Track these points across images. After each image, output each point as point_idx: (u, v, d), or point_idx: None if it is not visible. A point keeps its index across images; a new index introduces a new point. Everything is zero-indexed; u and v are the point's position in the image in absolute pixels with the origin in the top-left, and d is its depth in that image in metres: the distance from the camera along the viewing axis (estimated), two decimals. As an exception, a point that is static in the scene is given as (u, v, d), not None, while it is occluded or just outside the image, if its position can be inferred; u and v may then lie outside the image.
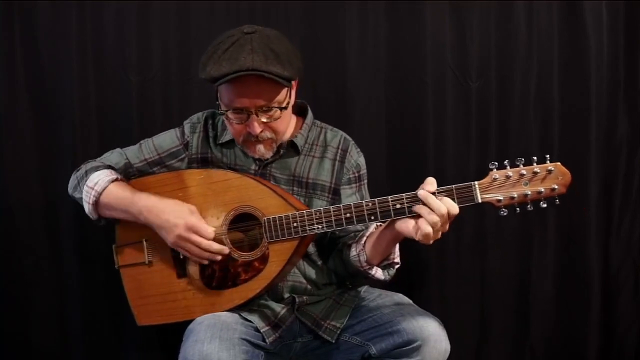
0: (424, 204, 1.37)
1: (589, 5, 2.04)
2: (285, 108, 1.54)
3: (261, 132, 1.52)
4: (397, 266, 1.60)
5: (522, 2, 2.05)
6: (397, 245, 1.55)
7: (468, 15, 2.05)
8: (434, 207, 1.36)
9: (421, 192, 1.38)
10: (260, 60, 1.44)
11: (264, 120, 1.51)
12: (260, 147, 1.56)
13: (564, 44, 2.07)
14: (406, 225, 1.41)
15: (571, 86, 2.08)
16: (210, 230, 1.51)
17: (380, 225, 1.55)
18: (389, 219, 1.44)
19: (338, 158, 1.67)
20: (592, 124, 2.07)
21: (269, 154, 1.59)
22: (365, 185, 1.72)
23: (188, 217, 1.51)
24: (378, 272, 1.57)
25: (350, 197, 1.66)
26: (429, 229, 1.36)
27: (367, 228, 1.60)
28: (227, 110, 1.52)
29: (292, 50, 1.53)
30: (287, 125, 1.61)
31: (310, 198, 1.64)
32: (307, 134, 1.67)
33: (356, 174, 1.68)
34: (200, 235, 1.50)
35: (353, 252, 1.56)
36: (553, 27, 2.06)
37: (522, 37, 2.06)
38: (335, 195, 1.65)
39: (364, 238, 1.55)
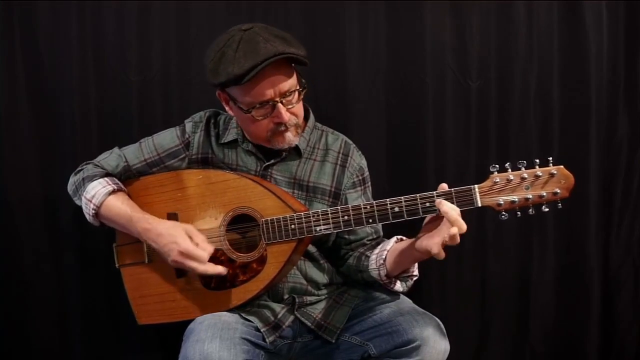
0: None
1: (589, 5, 2.04)
2: (302, 89, 1.56)
3: (288, 119, 1.53)
4: (415, 278, 1.60)
5: (522, 2, 2.05)
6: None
7: (468, 15, 2.04)
8: (461, 227, 1.34)
9: (451, 211, 1.35)
10: (280, 45, 1.45)
11: (288, 106, 1.53)
12: (289, 135, 1.56)
13: (564, 44, 2.07)
14: (425, 243, 1.39)
15: (571, 86, 2.08)
16: (204, 254, 1.49)
17: (400, 238, 1.55)
18: (389, 222, 1.44)
19: (339, 162, 1.67)
20: (592, 123, 2.07)
21: (296, 140, 1.59)
22: (370, 188, 1.73)
23: (182, 243, 1.49)
24: (397, 285, 1.57)
25: (355, 200, 1.67)
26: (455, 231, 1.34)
27: (386, 241, 1.60)
28: (250, 109, 1.52)
29: (290, 34, 1.54)
30: (302, 108, 1.61)
31: (310, 201, 1.64)
32: (309, 137, 1.67)
33: (360, 177, 1.69)
34: (195, 260, 1.49)
35: (372, 265, 1.56)
36: (553, 27, 2.06)
37: (522, 37, 2.06)
38: (335, 199, 1.65)
39: (385, 253, 1.54)
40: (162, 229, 1.53)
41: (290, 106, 1.53)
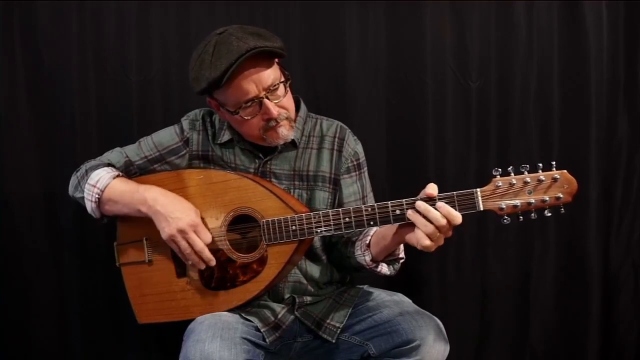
0: (422, 214, 1.36)
1: (589, 5, 2.04)
2: (286, 81, 1.55)
3: (278, 113, 1.53)
4: (402, 260, 1.59)
5: (522, 2, 2.05)
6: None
7: (468, 15, 2.04)
8: (432, 218, 1.34)
9: (420, 204, 1.36)
10: (252, 41, 1.46)
11: (275, 101, 1.52)
12: (282, 130, 1.55)
13: (564, 44, 2.07)
14: (410, 235, 1.40)
15: (571, 86, 2.08)
16: (209, 236, 1.52)
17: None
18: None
19: (335, 147, 1.67)
20: (592, 124, 2.07)
21: (291, 134, 1.58)
22: (366, 174, 1.72)
23: (194, 216, 1.52)
24: (384, 268, 1.56)
25: (351, 186, 1.67)
26: (427, 242, 1.35)
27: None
28: (238, 110, 1.52)
29: (266, 30, 1.55)
30: (292, 101, 1.61)
31: (312, 190, 1.64)
32: (302, 126, 1.67)
33: (355, 163, 1.68)
34: (200, 235, 1.51)
35: (358, 251, 1.56)
36: (553, 27, 2.06)
37: (522, 37, 2.06)
38: (335, 185, 1.65)
39: (368, 237, 1.54)
40: (173, 198, 1.55)
41: (277, 100, 1.53)
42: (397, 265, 1.59)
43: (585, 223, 2.09)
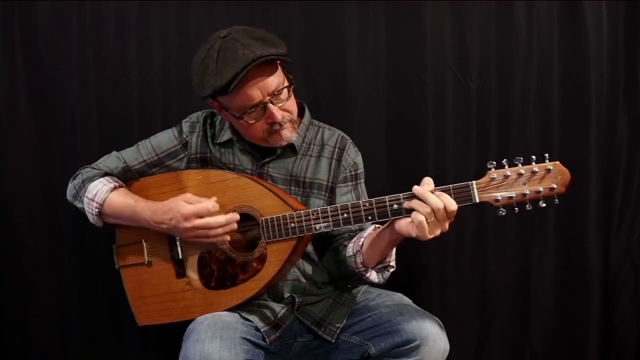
0: (420, 199, 1.37)
1: (589, 5, 2.04)
2: (290, 85, 1.56)
3: (282, 117, 1.53)
4: (392, 270, 1.59)
5: (522, 2, 2.05)
6: (394, 250, 1.55)
7: (468, 15, 2.04)
8: (431, 202, 1.35)
9: (418, 188, 1.37)
10: (258, 48, 1.45)
11: (279, 105, 1.53)
12: (285, 132, 1.56)
13: (564, 44, 2.07)
14: (403, 224, 1.41)
15: (571, 86, 2.08)
16: (210, 205, 1.49)
17: (379, 227, 1.55)
18: (387, 220, 1.44)
19: (335, 157, 1.67)
20: (592, 124, 2.07)
21: (294, 136, 1.59)
22: (362, 184, 1.72)
23: (182, 209, 1.49)
24: (372, 275, 1.56)
25: (345, 195, 1.67)
26: (422, 218, 1.35)
27: (364, 229, 1.60)
28: (242, 115, 1.52)
29: (270, 33, 1.55)
30: (295, 103, 1.61)
31: (307, 197, 1.64)
32: (304, 133, 1.67)
33: (353, 173, 1.68)
34: (202, 215, 1.49)
35: (349, 252, 1.56)
36: (553, 27, 2.06)
37: (522, 37, 2.06)
38: (332, 194, 1.65)
39: (362, 239, 1.54)
40: (163, 207, 1.53)
41: (281, 104, 1.53)
42: (387, 274, 1.59)
43: (585, 223, 2.09)
